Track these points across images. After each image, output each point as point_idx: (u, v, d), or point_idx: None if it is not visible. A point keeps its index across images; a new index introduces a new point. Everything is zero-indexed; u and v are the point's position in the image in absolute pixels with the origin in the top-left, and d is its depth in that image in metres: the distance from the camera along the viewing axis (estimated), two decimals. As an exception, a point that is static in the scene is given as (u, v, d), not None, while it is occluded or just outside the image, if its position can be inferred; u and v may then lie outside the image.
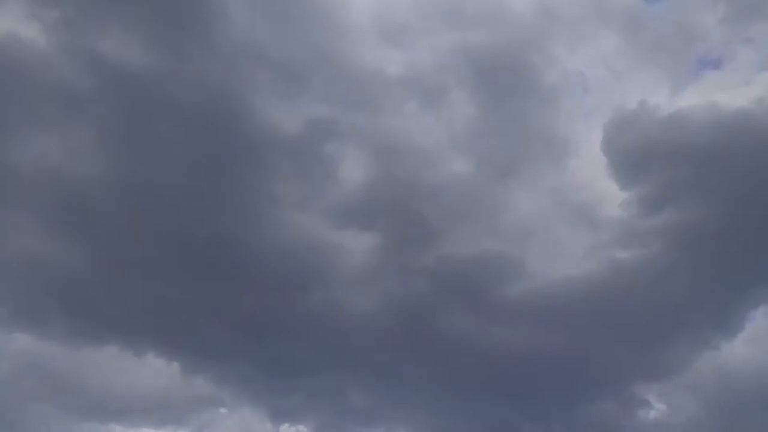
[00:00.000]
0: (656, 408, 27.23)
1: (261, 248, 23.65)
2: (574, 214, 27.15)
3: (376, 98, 25.40)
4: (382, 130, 25.29)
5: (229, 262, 23.68)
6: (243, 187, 23.55)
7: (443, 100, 26.44)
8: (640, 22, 28.38)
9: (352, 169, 25.08)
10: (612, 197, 25.76)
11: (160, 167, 22.50)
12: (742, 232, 23.90)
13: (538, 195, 27.00)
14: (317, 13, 24.52)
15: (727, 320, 25.78)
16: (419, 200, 25.30)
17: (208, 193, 23.25)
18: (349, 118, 24.88)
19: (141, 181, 22.24)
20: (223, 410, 28.71)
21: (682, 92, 28.39)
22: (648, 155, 24.81)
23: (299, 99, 24.36)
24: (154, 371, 26.46)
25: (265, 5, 23.86)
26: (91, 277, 23.07)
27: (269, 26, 23.78)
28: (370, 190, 24.91)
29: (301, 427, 27.30)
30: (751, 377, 26.53)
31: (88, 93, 21.23)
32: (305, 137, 23.95)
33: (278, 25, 23.89)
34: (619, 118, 25.58)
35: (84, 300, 23.22)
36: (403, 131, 25.54)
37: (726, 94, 25.44)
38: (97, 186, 22.07)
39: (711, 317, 25.70)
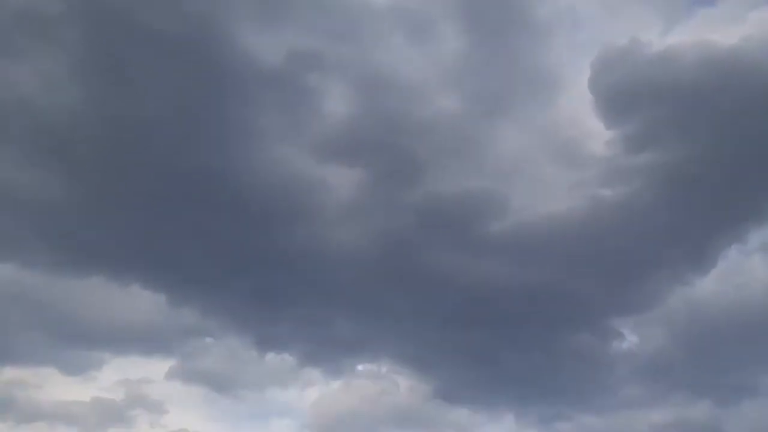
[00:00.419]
0: (629, 340, 28.44)
1: (244, 181, 23.57)
2: (559, 151, 27.14)
3: (362, 30, 24.70)
4: (367, 63, 24.72)
5: (211, 194, 23.64)
6: (224, 119, 23.20)
7: (430, 33, 25.76)
8: (634, -44, 27.51)
9: (337, 103, 24.68)
10: (598, 135, 25.73)
11: (140, 98, 22.04)
12: (721, 173, 24.14)
13: (524, 132, 26.88)
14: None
15: (702, 257, 26.46)
16: (405, 136, 25.11)
17: (189, 124, 22.89)
18: (334, 50, 24.25)
19: (120, 112, 21.83)
20: (209, 340, 29.49)
21: (675, 29, 27.86)
22: (635, 93, 24.57)
23: (282, 29, 23.62)
24: (140, 302, 26.91)
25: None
26: (73, 208, 22.99)
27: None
28: (355, 125, 24.63)
29: (287, 356, 28.21)
30: (719, 311, 27.55)
31: (61, 20, 20.43)
32: (288, 69, 23.40)
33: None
34: (607, 54, 25.08)
35: (66, 231, 23.24)
36: (389, 65, 24.99)
37: (719, 32, 24.99)
38: (75, 117, 21.64)
39: (686, 254, 26.35)
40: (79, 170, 22.54)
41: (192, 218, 24.05)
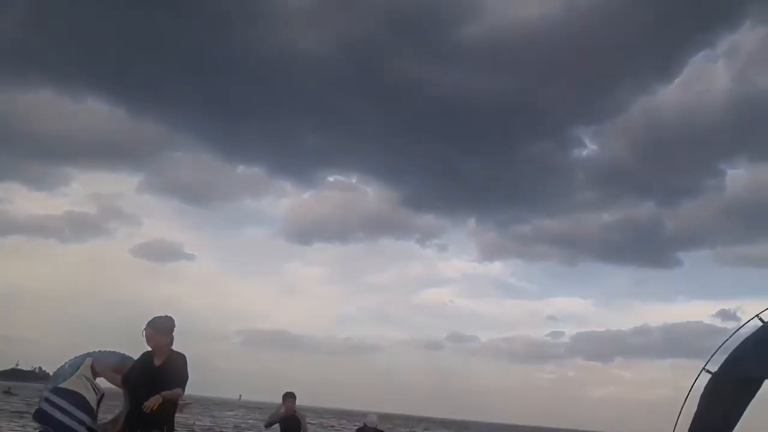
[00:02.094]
0: (589, 148, 28.94)
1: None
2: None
3: None
4: None
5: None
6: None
7: None
8: None
9: None
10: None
11: None
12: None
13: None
14: None
15: (668, 66, 26.39)
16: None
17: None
18: None
19: None
20: (178, 154, 28.87)
21: None
22: None
23: None
24: (98, 117, 25.88)
25: None
26: (16, 16, 21.74)
27: None
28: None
29: (257, 169, 27.90)
30: (677, 119, 28.02)
31: None
32: None
33: None
34: None
35: (9, 42, 21.97)
36: None
37: None
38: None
39: (653, 63, 26.21)
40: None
41: (144, 23, 22.87)
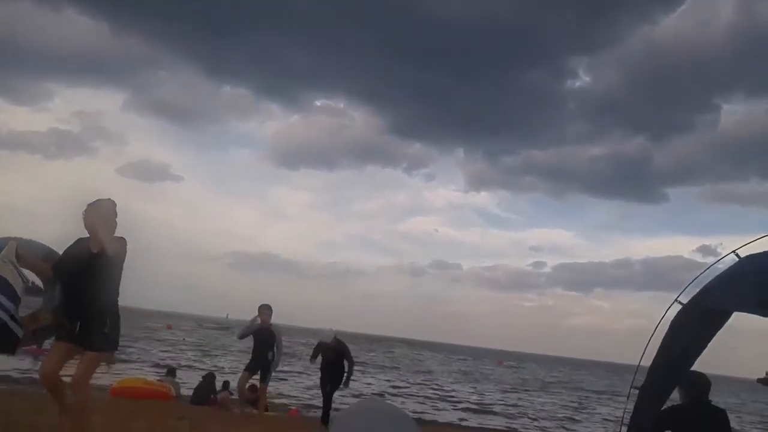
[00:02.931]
0: (583, 79, 28.80)
1: None
2: None
3: None
4: None
5: None
6: None
7: None
8: None
9: None
10: None
11: None
12: None
13: None
14: None
15: None
16: None
17: None
18: None
19: None
20: (162, 72, 28.46)
21: None
22: None
23: None
24: (81, 30, 25.11)
25: None
26: None
27: None
28: None
29: (243, 90, 27.53)
30: (677, 51, 27.40)
31: None
32: None
33: None
34: None
35: None
36: None
37: None
38: None
39: None
40: None
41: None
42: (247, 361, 8.33)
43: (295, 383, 18.42)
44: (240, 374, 8.39)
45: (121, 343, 4.13)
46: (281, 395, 14.60)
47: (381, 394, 17.64)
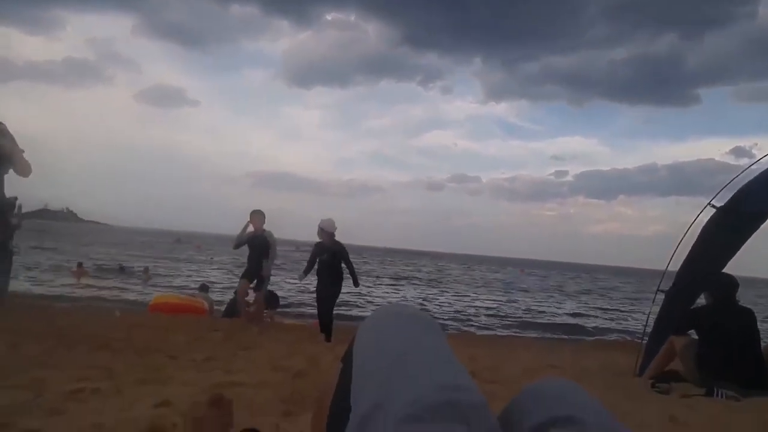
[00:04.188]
0: None
1: None
2: None
3: None
4: None
5: None
6: None
7: None
8: None
9: None
10: None
11: None
12: None
13: None
14: None
15: None
16: None
17: None
18: None
19: None
20: None
21: None
22: None
23: None
24: None
25: None
26: None
27: None
28: None
29: (251, 8, 27.70)
30: None
31: None
32: None
33: None
34: None
35: None
36: None
37: None
38: None
39: None
40: None
41: None
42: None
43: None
44: (239, 283, 8.18)
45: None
46: (302, 304, 15.12)
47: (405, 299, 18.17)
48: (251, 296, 8.34)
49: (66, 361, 4.07)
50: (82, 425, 2.35)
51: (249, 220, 7.92)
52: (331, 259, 7.50)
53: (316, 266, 7.65)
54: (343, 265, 7.65)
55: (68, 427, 2.32)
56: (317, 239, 7.70)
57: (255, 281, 8.04)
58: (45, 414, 2.59)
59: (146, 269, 21.68)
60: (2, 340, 4.82)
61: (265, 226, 8.06)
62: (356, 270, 7.98)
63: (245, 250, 8.15)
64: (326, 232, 7.51)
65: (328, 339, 7.35)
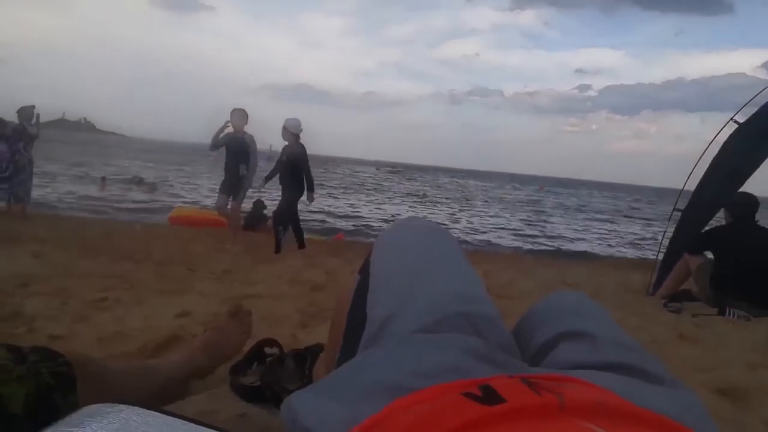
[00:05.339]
0: None
1: None
2: None
3: None
4: None
5: None
6: None
7: None
8: None
9: None
10: None
11: None
12: None
13: None
14: None
15: None
16: None
17: None
18: None
19: None
20: None
21: None
22: None
23: None
24: None
25: None
26: None
27: None
28: None
29: None
30: None
31: None
32: None
33: None
34: None
35: None
36: None
37: None
38: None
39: None
40: None
41: None
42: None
43: (340, 204, 19.18)
44: (217, 197, 7.36)
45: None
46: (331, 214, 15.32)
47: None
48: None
49: (89, 271, 4.20)
50: (105, 333, 2.45)
51: (229, 119, 7.01)
52: (286, 163, 6.88)
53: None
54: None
55: (92, 334, 2.42)
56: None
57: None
58: (70, 321, 2.70)
59: (153, 183, 21.82)
60: (28, 248, 4.98)
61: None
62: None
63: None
64: (290, 132, 6.85)
65: (300, 246, 6.99)
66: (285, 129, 6.86)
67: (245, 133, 7.02)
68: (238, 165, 6.95)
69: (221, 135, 7.00)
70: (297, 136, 6.88)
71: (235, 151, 6.97)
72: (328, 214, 17.59)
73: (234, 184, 7.04)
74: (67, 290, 3.38)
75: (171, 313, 2.92)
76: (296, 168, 6.84)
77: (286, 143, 6.90)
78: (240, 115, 7.00)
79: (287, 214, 6.97)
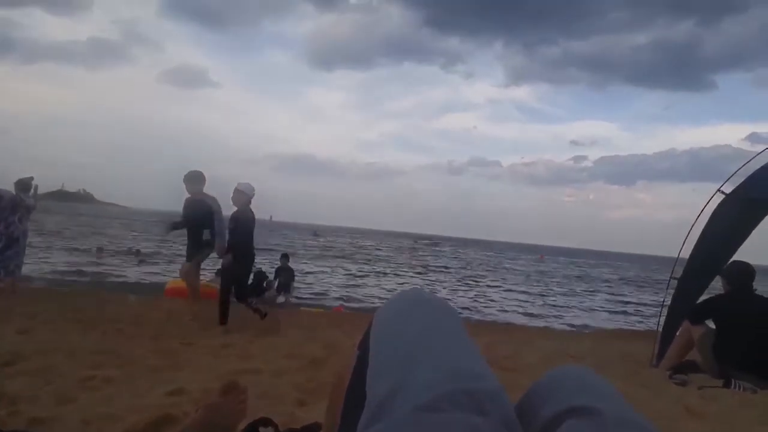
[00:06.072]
0: None
1: None
2: None
3: None
4: None
5: None
6: None
7: None
8: None
9: None
10: None
11: None
12: None
13: None
14: None
15: None
16: None
17: None
18: None
19: None
20: None
21: None
22: None
23: None
24: None
25: None
26: None
27: None
28: None
29: None
30: None
31: None
32: None
33: None
34: None
35: None
36: None
37: None
38: None
39: None
40: None
41: None
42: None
43: (330, 282, 19.07)
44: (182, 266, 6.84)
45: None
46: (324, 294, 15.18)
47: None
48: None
49: (78, 346, 4.10)
50: (91, 414, 2.35)
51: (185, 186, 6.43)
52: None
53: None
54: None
55: (76, 416, 2.33)
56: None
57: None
58: (54, 402, 2.59)
59: (137, 251, 21.68)
60: (14, 323, 4.88)
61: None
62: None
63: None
64: (243, 192, 6.29)
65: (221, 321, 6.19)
66: (237, 190, 6.31)
67: (205, 194, 6.51)
68: (200, 231, 6.40)
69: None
70: (249, 200, 6.39)
71: (194, 216, 6.44)
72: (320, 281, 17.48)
73: (194, 253, 6.51)
74: (54, 368, 3.27)
75: (163, 391, 2.83)
76: (245, 232, 6.36)
77: (235, 205, 6.32)
78: (194, 178, 6.49)
79: (246, 287, 6.85)
